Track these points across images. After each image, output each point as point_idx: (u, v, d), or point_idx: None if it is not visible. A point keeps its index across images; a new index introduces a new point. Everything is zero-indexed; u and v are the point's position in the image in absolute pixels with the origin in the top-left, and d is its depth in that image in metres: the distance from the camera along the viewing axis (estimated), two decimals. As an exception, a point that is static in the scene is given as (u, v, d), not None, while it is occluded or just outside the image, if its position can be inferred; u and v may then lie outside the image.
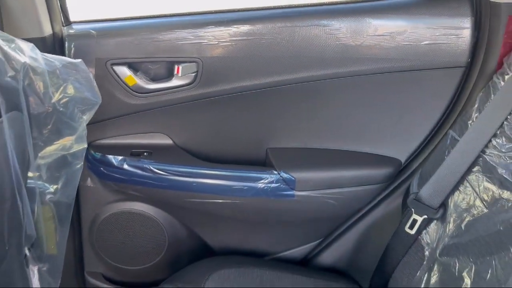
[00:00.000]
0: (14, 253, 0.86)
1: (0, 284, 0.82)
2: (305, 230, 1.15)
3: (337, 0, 1.01)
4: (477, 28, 0.93)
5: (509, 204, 0.75)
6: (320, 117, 1.06)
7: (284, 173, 1.02)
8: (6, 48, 0.69)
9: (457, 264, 0.80)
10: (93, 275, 1.21)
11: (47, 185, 0.94)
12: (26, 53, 0.72)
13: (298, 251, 1.17)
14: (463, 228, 0.82)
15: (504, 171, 0.78)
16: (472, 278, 0.76)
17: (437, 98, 1.00)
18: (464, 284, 0.78)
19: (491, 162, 0.81)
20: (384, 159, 1.06)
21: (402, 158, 1.06)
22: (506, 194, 0.77)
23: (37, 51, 0.75)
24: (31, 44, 0.75)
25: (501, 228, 0.74)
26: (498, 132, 0.82)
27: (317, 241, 1.16)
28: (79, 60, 0.85)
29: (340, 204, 1.06)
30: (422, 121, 1.03)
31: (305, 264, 1.18)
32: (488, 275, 0.73)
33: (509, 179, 0.76)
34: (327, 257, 1.16)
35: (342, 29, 0.96)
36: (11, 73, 0.69)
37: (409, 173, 1.06)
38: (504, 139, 0.81)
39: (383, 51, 0.96)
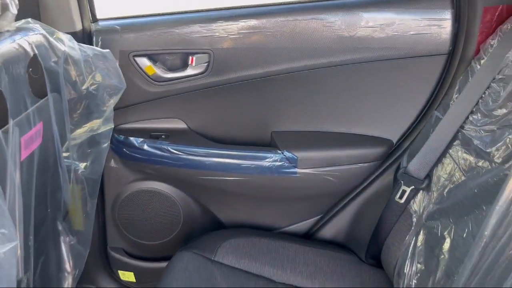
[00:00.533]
0: (52, 218, 0.98)
1: (36, 249, 0.93)
2: (307, 206, 1.26)
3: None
4: (457, 20, 1.04)
5: (483, 171, 0.86)
6: (319, 102, 1.17)
7: (287, 153, 1.14)
8: (50, 38, 0.81)
9: (440, 226, 0.90)
10: (115, 250, 1.32)
11: (77, 163, 1.06)
12: (65, 43, 0.85)
13: (300, 226, 1.27)
14: (445, 195, 0.93)
15: (479, 142, 0.89)
16: (452, 237, 0.87)
17: (423, 83, 1.11)
18: (445, 242, 0.88)
19: (468, 136, 0.92)
20: (377, 139, 1.17)
21: (394, 138, 1.17)
22: (480, 162, 0.87)
23: (74, 41, 0.88)
24: (69, 36, 0.88)
25: (476, 191, 0.85)
26: (474, 109, 0.93)
27: (318, 217, 1.27)
28: (107, 50, 0.97)
29: (338, 180, 1.17)
30: (411, 104, 1.14)
31: (307, 238, 1.29)
32: (465, 233, 0.83)
33: (483, 149, 0.87)
34: (327, 231, 1.26)
35: (337, 22, 1.07)
36: (54, 59, 0.81)
37: (400, 152, 1.16)
38: (479, 115, 0.92)
39: (374, 41, 1.07)
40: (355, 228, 1.23)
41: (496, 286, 0.68)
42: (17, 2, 0.73)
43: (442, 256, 0.87)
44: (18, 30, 0.75)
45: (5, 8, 0.69)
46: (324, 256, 1.15)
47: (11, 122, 0.65)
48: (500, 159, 0.82)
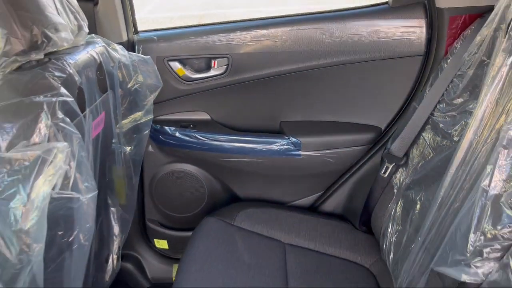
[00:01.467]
0: (104, 190, 1.24)
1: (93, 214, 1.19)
2: (310, 183, 1.50)
3: (327, 9, 1.36)
4: (430, 27, 1.26)
5: (446, 148, 1.08)
6: (319, 97, 1.41)
7: (292, 138, 1.38)
8: (108, 48, 1.07)
9: (414, 194, 1.13)
10: (152, 221, 1.59)
11: (124, 147, 1.32)
12: (118, 52, 1.11)
13: (305, 200, 1.51)
14: (418, 169, 1.16)
15: (443, 125, 1.11)
16: (422, 202, 1.09)
17: (405, 79, 1.33)
18: (416, 206, 1.11)
19: (436, 121, 1.14)
20: (368, 127, 1.40)
21: (382, 126, 1.40)
22: (444, 142, 1.09)
23: (124, 50, 1.14)
24: (121, 46, 1.14)
25: (440, 164, 1.07)
26: (441, 100, 1.16)
27: (320, 193, 1.51)
28: (148, 56, 1.23)
29: (336, 161, 1.40)
30: (395, 97, 1.36)
31: (311, 211, 1.53)
32: (433, 197, 1.06)
33: (446, 131, 1.09)
34: (328, 204, 1.50)
35: (332, 30, 1.31)
36: (112, 64, 1.07)
37: (387, 137, 1.39)
38: (444, 104, 1.14)
39: (362, 45, 1.31)
40: (350, 201, 1.47)
41: (446, 232, 0.90)
42: (87, 22, 0.99)
43: (414, 216, 1.10)
44: (88, 43, 1.01)
45: (81, 28, 0.95)
46: (325, 224, 1.39)
47: (87, 109, 0.91)
48: (457, 138, 1.05)
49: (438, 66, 1.23)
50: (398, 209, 1.19)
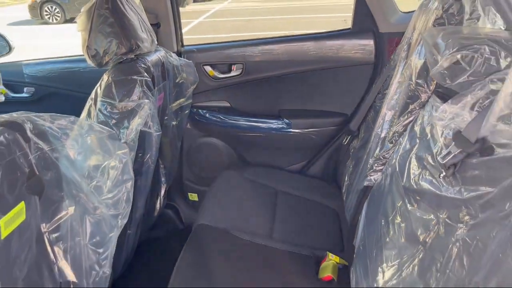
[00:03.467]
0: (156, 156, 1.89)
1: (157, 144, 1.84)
2: (299, 153, 2.11)
3: (310, 32, 2.00)
4: (376, 44, 1.88)
5: (376, 121, 1.68)
6: (305, 92, 2.04)
7: (286, 120, 2.01)
8: (167, 54, 1.74)
9: (359, 152, 1.73)
10: (187, 180, 2.23)
11: (172, 121, 1.98)
12: (173, 57, 1.78)
13: (296, 166, 2.12)
14: (362, 136, 1.75)
15: (378, 109, 1.71)
16: (363, 154, 1.69)
17: (362, 80, 1.94)
18: (361, 164, 1.71)
19: (377, 106, 1.74)
20: (339, 113, 2.01)
21: (348, 112, 2.01)
22: (377, 118, 1.70)
23: (176, 56, 1.81)
24: (174, 53, 1.81)
25: (374, 127, 1.68)
26: (379, 92, 1.76)
27: (306, 161, 2.12)
28: (190, 61, 1.90)
29: (317, 137, 2.02)
30: (356, 93, 1.97)
31: (300, 174, 2.14)
32: (367, 154, 1.66)
33: (379, 113, 1.69)
34: (312, 169, 2.10)
35: (312, 46, 1.94)
36: (168, 64, 1.74)
37: (352, 120, 1.99)
38: (380, 95, 1.74)
39: (333, 57, 1.93)
40: (328, 166, 2.07)
41: (366, 159, 1.50)
42: (156, 38, 1.66)
43: (357, 169, 1.69)
44: (156, 50, 1.68)
45: (153, 41, 1.61)
46: (309, 181, 1.99)
47: (155, 88, 1.56)
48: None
49: (381, 70, 1.83)
50: (351, 165, 1.79)
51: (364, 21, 1.89)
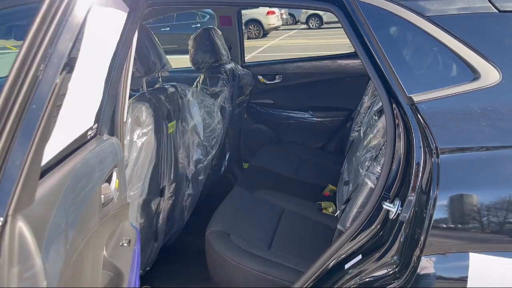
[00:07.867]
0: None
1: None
2: (320, 134, 3.08)
3: (327, 54, 3.03)
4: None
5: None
6: (324, 94, 3.03)
7: (310, 112, 3.01)
8: (234, 66, 2.81)
9: (356, 134, 2.70)
10: (243, 153, 3.25)
11: (235, 112, 3.02)
12: (239, 68, 2.85)
13: (316, 145, 3.10)
14: (359, 123, 2.73)
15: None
16: (361, 138, 2.66)
17: (362, 85, 2.91)
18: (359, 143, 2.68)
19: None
20: (344, 108, 2.99)
21: (352, 107, 2.97)
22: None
23: (241, 67, 2.88)
24: (240, 66, 2.88)
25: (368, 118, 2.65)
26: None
27: (323, 142, 3.09)
28: (248, 71, 2.97)
29: (331, 124, 3.00)
30: (358, 94, 2.93)
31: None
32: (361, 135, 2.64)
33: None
34: (331, 146, 3.07)
35: (329, 63, 2.96)
36: (236, 72, 2.80)
37: (353, 114, 2.96)
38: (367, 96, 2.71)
39: (343, 70, 2.94)
40: (336, 145, 3.03)
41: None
42: (229, 54, 2.73)
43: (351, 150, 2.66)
44: (229, 62, 2.75)
45: (228, 56, 2.68)
46: (322, 156, 2.97)
47: (229, 84, 2.62)
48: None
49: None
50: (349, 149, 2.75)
51: None
